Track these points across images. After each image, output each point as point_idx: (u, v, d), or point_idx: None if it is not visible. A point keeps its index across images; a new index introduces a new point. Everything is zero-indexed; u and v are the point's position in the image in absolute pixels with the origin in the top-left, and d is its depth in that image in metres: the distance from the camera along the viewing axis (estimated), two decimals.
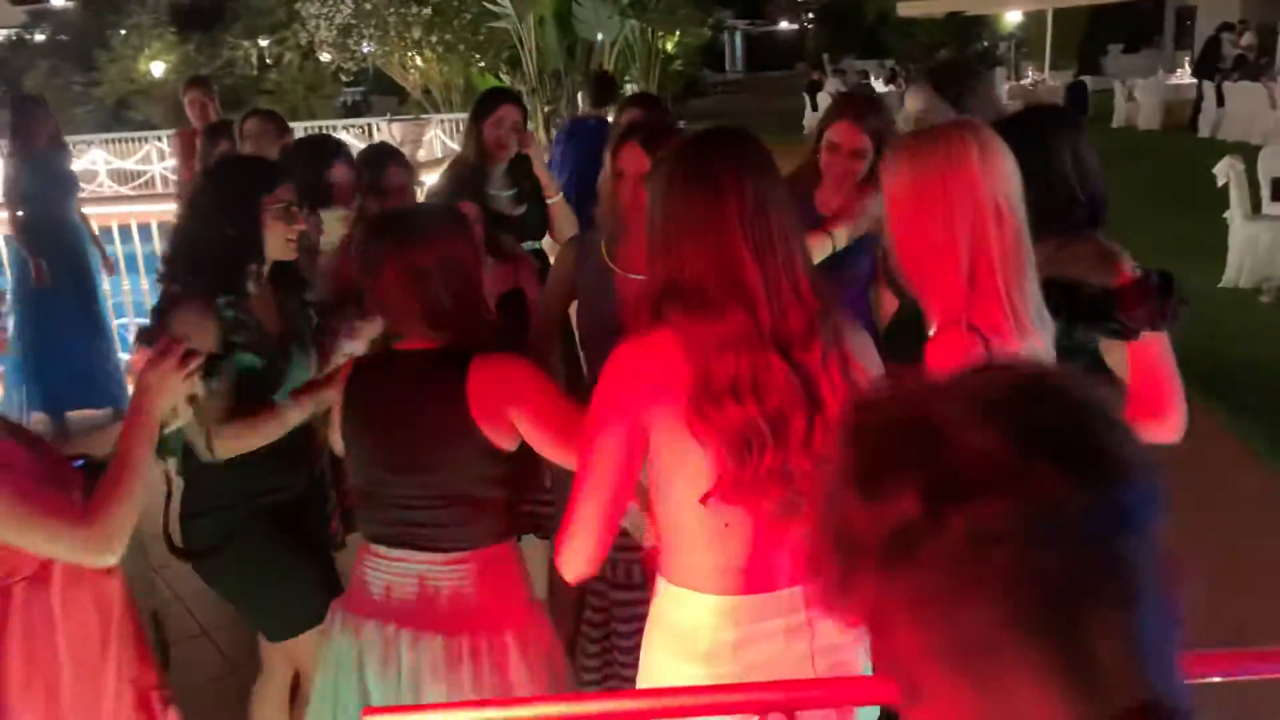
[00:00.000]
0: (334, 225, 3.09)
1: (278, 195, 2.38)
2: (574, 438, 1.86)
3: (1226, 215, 7.18)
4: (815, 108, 17.51)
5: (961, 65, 3.14)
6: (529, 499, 2.76)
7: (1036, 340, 1.83)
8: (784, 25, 43.58)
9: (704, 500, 1.69)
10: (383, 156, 3.51)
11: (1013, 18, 25.12)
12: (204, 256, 2.33)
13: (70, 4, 31.80)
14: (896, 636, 0.71)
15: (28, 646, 1.79)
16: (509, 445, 2.00)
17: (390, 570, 2.07)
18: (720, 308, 1.64)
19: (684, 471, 1.71)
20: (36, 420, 5.67)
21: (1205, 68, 16.16)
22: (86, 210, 6.04)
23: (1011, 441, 0.67)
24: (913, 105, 2.79)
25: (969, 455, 0.67)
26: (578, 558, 1.74)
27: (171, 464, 2.41)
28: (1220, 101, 15.27)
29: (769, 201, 1.66)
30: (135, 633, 1.98)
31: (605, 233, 2.73)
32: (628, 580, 2.53)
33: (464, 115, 11.52)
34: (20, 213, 5.61)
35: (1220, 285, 7.11)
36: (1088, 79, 19.67)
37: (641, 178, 2.47)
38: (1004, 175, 1.81)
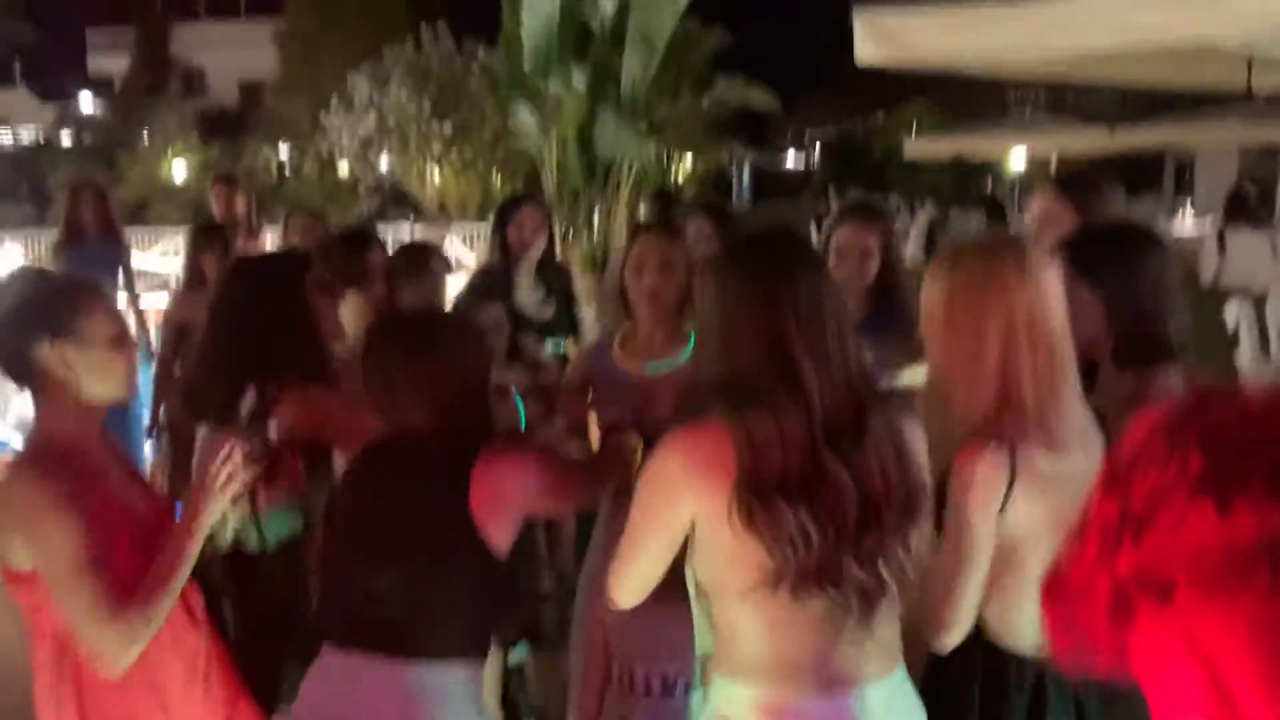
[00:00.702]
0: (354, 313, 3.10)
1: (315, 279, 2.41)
2: (581, 490, 1.99)
3: (1237, 357, 7.22)
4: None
5: (1088, 173, 3.18)
6: (526, 602, 2.70)
7: (1078, 458, 1.81)
8: (792, 158, 44.73)
9: (750, 595, 1.66)
10: (423, 250, 3.56)
11: (1017, 163, 25.80)
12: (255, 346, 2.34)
13: (99, 107, 32.79)
14: (1223, 669, 0.64)
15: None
16: (505, 546, 1.92)
17: (351, 677, 1.92)
18: (772, 401, 1.62)
19: (732, 566, 1.68)
20: None
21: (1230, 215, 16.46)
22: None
23: None
24: (1036, 207, 2.79)
25: None
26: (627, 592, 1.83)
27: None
28: (1222, 249, 15.52)
29: (822, 297, 1.68)
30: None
31: (615, 327, 2.74)
32: (646, 690, 2.44)
33: (481, 224, 11.67)
34: None
35: None
36: None
37: (660, 268, 2.54)
38: (1043, 294, 1.81)
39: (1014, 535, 1.81)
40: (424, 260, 3.29)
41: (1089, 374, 1.97)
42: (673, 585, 2.14)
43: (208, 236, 4.97)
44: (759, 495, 1.61)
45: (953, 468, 1.80)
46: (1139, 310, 2.09)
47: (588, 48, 8.90)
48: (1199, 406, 0.72)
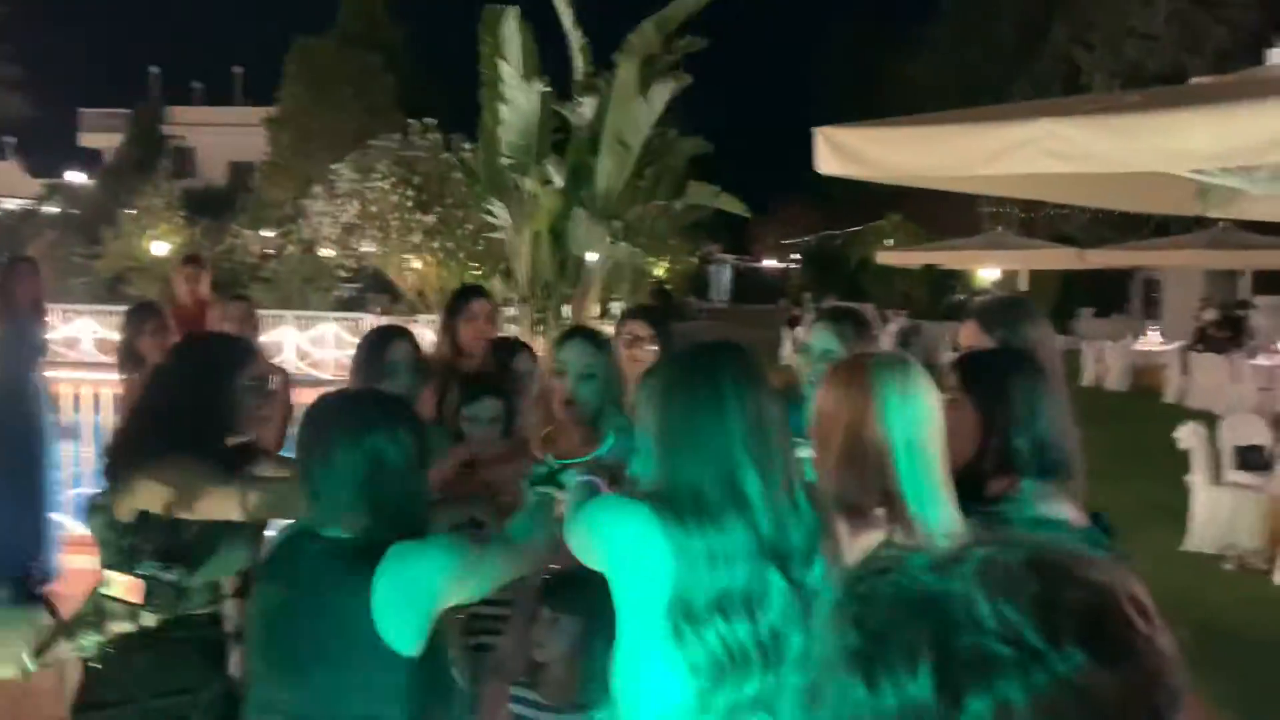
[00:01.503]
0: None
1: (252, 371, 2.38)
2: (505, 562, 1.96)
3: (1187, 479, 7.27)
4: (794, 340, 18.08)
5: (1009, 303, 3.23)
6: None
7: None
8: (769, 263, 45.39)
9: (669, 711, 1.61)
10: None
11: (988, 274, 26.27)
12: (178, 422, 2.27)
13: (88, 181, 33.00)
14: None
15: None
16: (415, 644, 1.81)
17: None
18: (718, 517, 1.61)
19: (653, 668, 1.63)
20: None
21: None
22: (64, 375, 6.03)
23: (1035, 622, 0.62)
24: (961, 333, 2.84)
25: (989, 636, 0.62)
26: None
27: (85, 648, 2.28)
28: (1185, 370, 15.78)
29: (767, 413, 1.69)
30: None
31: (542, 428, 2.75)
32: None
33: None
34: None
35: (1182, 549, 7.11)
36: (1059, 338, 20.33)
37: (580, 374, 2.58)
38: (922, 413, 1.86)
39: None
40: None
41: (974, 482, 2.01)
42: (586, 690, 2.11)
43: (142, 316, 4.88)
44: (696, 613, 1.57)
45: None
46: (1009, 425, 2.12)
47: (564, 148, 9.12)
48: (857, 585, 0.71)
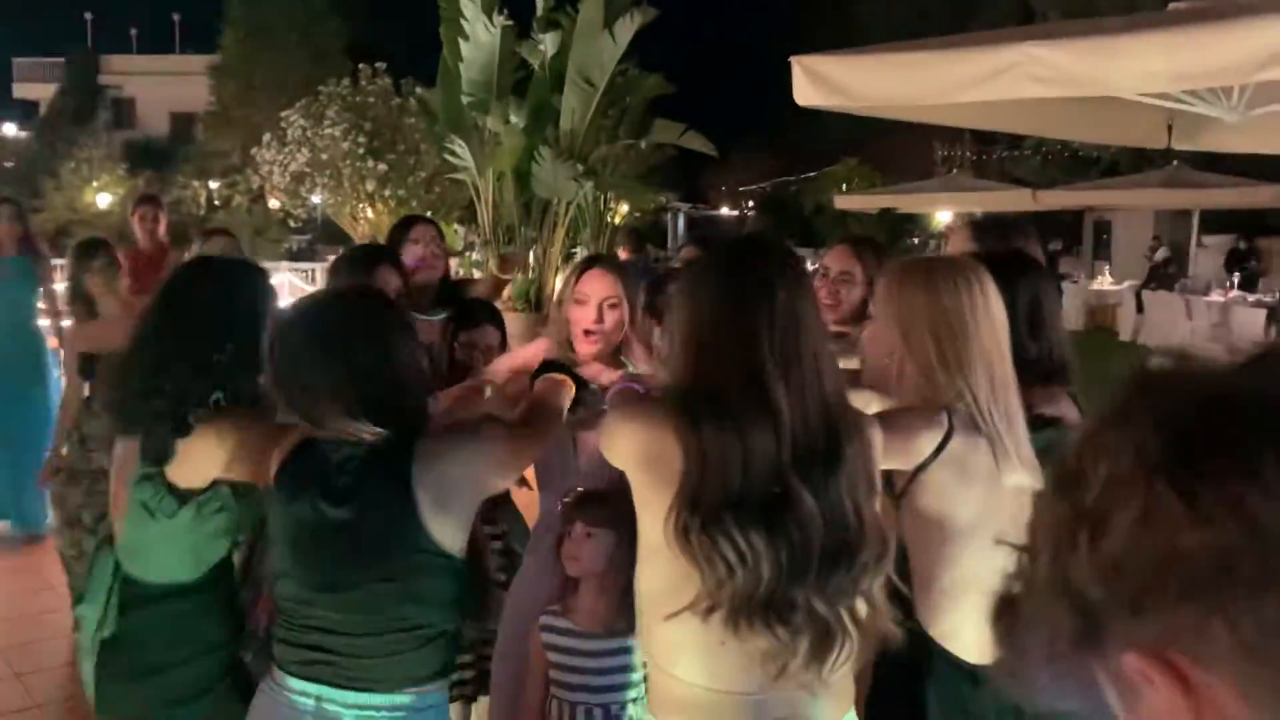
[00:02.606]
0: None
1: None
2: (532, 443, 1.93)
3: None
4: None
5: (1005, 220, 3.26)
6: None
7: (1026, 479, 1.84)
8: (725, 211, 45.31)
9: (682, 621, 1.56)
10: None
11: (943, 217, 26.46)
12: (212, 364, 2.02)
13: (24, 133, 31.97)
14: (1203, 689, 0.53)
15: None
16: (462, 541, 1.75)
17: (295, 708, 1.76)
18: (740, 419, 1.54)
19: (666, 584, 1.59)
20: None
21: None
22: None
23: None
24: (953, 243, 2.85)
25: None
26: None
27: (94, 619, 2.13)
28: (1140, 308, 16.05)
29: (799, 314, 1.60)
30: None
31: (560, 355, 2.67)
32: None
33: None
34: None
35: None
36: None
37: (603, 302, 2.50)
38: (999, 316, 1.91)
39: (942, 518, 1.82)
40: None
41: None
42: (620, 613, 2.07)
43: (89, 253, 4.45)
44: (702, 513, 1.51)
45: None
46: (1015, 329, 2.12)
47: (526, 87, 8.93)
48: (1153, 383, 0.61)
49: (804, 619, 1.53)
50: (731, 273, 1.64)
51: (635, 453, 1.62)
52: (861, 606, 1.58)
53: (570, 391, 2.18)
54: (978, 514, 1.83)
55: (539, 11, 8.92)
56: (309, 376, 1.75)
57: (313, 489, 1.75)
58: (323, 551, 1.75)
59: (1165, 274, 17.50)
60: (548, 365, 2.26)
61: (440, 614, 1.77)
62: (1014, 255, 2.32)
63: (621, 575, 1.93)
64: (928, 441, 1.82)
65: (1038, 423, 1.97)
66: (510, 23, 8.55)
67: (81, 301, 4.42)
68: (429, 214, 18.22)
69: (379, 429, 1.73)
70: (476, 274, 9.67)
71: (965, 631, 1.86)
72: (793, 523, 1.51)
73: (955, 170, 23.36)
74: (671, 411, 1.57)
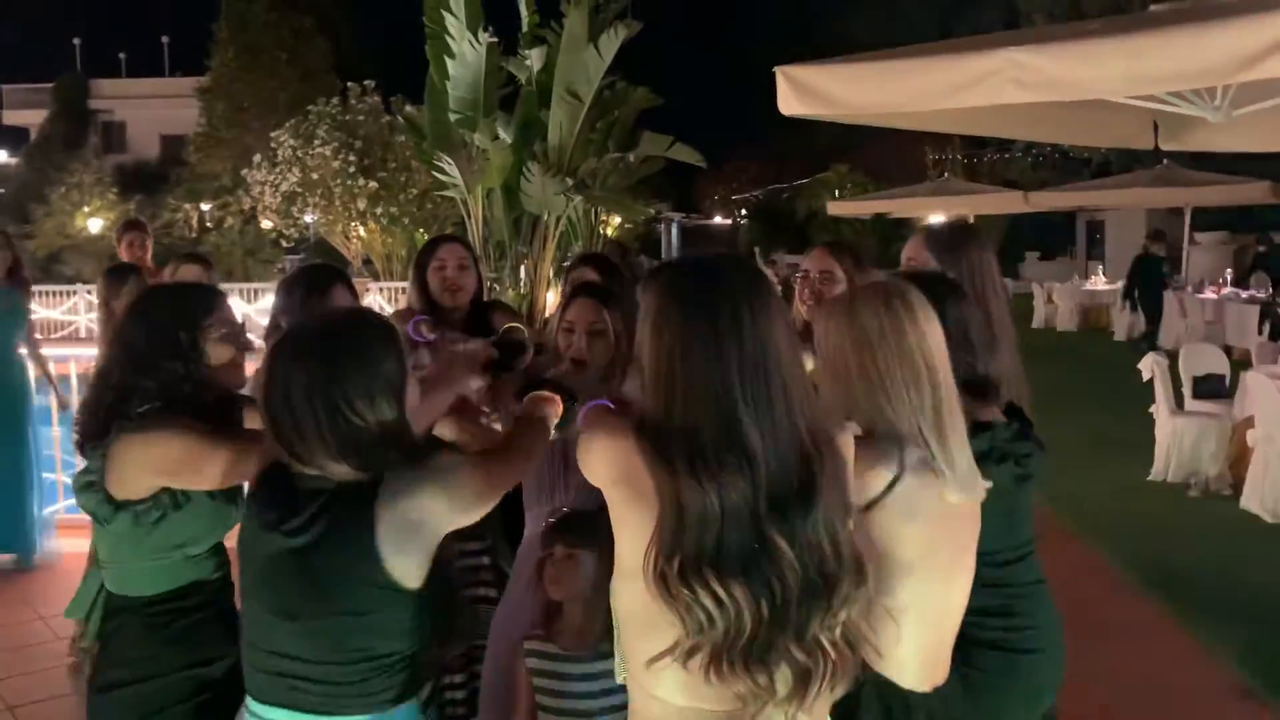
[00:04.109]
0: None
1: (219, 319, 2.23)
2: (511, 467, 1.90)
3: (1151, 410, 7.37)
4: None
5: (960, 226, 3.25)
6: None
7: (962, 497, 1.89)
8: (718, 219, 45.35)
9: (662, 667, 1.53)
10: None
11: (935, 220, 26.48)
12: (152, 379, 2.10)
13: (14, 160, 31.97)
14: None
15: None
16: (420, 576, 1.73)
17: None
18: (717, 469, 1.49)
19: (644, 627, 1.56)
20: None
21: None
22: None
23: None
24: (906, 251, 2.85)
25: None
26: None
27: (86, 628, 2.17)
28: (1135, 307, 16.05)
29: (769, 340, 1.55)
30: None
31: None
32: None
33: (403, 284, 11.58)
34: None
35: (1149, 479, 7.22)
36: (1008, 281, 20.61)
37: (589, 329, 2.54)
38: (931, 334, 1.90)
39: (884, 553, 1.81)
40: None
41: None
42: (605, 634, 2.05)
43: (120, 279, 4.55)
44: (679, 563, 1.48)
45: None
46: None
47: (514, 102, 8.93)
48: None
49: (784, 662, 1.51)
50: (698, 304, 1.57)
51: (609, 470, 1.60)
52: (840, 636, 1.56)
53: (557, 409, 2.16)
54: (919, 550, 1.85)
55: (524, 27, 8.91)
56: (300, 417, 1.72)
57: (276, 515, 1.74)
58: (281, 579, 1.74)
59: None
60: (536, 382, 2.24)
61: (401, 641, 1.76)
62: (939, 277, 2.31)
63: (605, 596, 1.91)
64: (878, 480, 1.81)
65: (975, 428, 2.00)
66: (495, 39, 8.54)
67: (111, 324, 4.43)
68: (420, 230, 18.23)
69: (358, 470, 1.72)
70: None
71: (896, 655, 1.87)
72: (771, 571, 1.49)
73: (946, 174, 23.40)
74: (647, 450, 1.54)
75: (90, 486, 2.07)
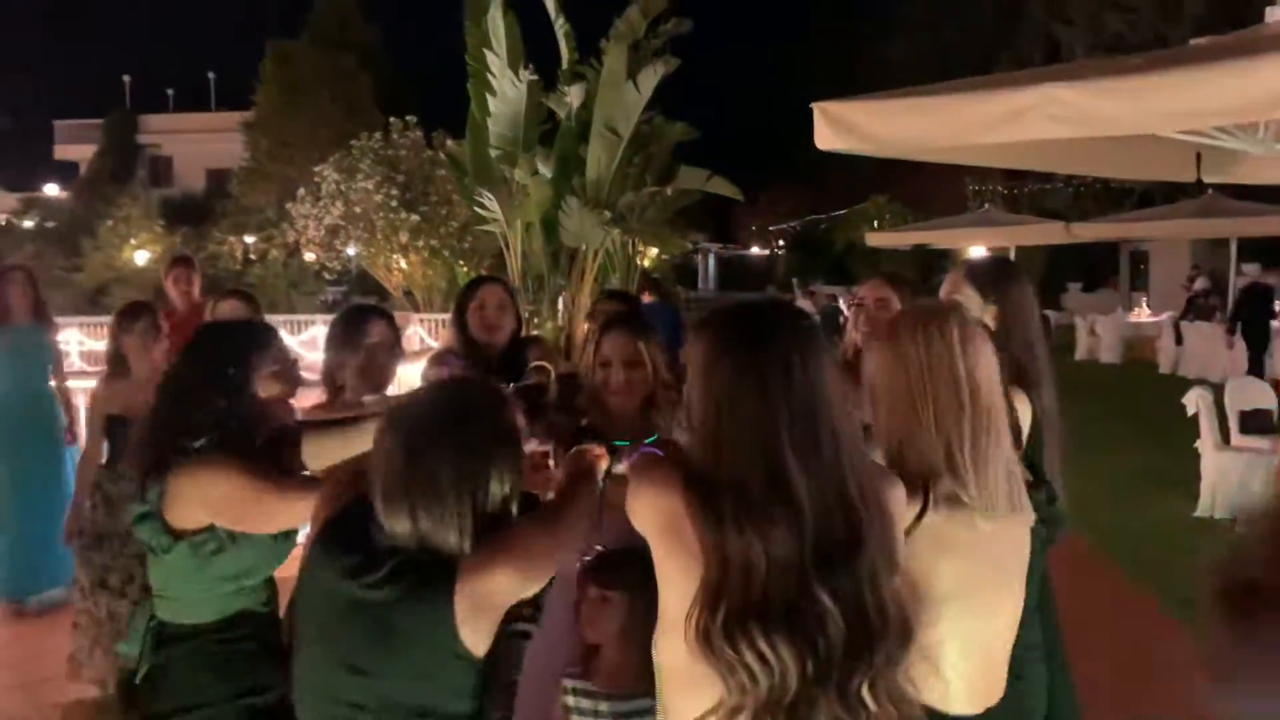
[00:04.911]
0: None
1: (270, 356, 2.29)
2: (565, 537, 1.87)
3: (1197, 445, 7.25)
4: None
5: (1000, 261, 3.26)
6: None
7: (1005, 522, 1.88)
8: (755, 250, 45.39)
9: None
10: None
11: (976, 252, 26.30)
12: (206, 415, 2.17)
13: (63, 194, 32.75)
14: None
15: None
16: (487, 644, 1.74)
17: None
18: (764, 521, 1.48)
19: (685, 682, 1.55)
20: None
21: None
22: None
23: None
24: (944, 293, 2.85)
25: None
26: None
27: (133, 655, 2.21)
28: (1179, 340, 15.83)
29: (817, 387, 1.54)
30: None
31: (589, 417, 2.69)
32: None
33: (444, 315, 11.69)
34: None
35: (1196, 515, 7.09)
36: (1050, 313, 20.43)
37: (624, 363, 2.56)
38: (983, 360, 1.89)
39: (920, 584, 1.80)
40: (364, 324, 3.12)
41: None
42: (642, 674, 2.04)
43: (132, 316, 4.49)
44: (723, 618, 1.46)
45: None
46: None
47: (553, 137, 9.04)
48: None
49: (826, 719, 1.50)
50: (747, 355, 1.56)
51: (654, 523, 1.59)
52: (890, 693, 1.54)
53: (603, 464, 2.16)
54: (957, 584, 1.84)
55: (564, 64, 9.04)
56: (444, 501, 1.71)
57: (352, 561, 1.73)
58: (352, 631, 1.73)
59: (1204, 305, 17.25)
60: (580, 433, 2.24)
61: (464, 703, 1.75)
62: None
63: (641, 636, 1.90)
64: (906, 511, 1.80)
65: None
66: (536, 77, 8.67)
67: (116, 362, 4.47)
68: (461, 262, 18.40)
69: (464, 541, 1.72)
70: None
71: (939, 684, 1.85)
72: (815, 626, 1.47)
73: (987, 205, 23.27)
74: (694, 503, 1.52)
75: (148, 518, 2.12)
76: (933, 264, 28.12)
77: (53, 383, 5.78)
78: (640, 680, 2.12)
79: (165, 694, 2.16)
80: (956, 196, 26.81)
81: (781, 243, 42.31)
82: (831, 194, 34.19)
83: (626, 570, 2.15)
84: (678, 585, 1.54)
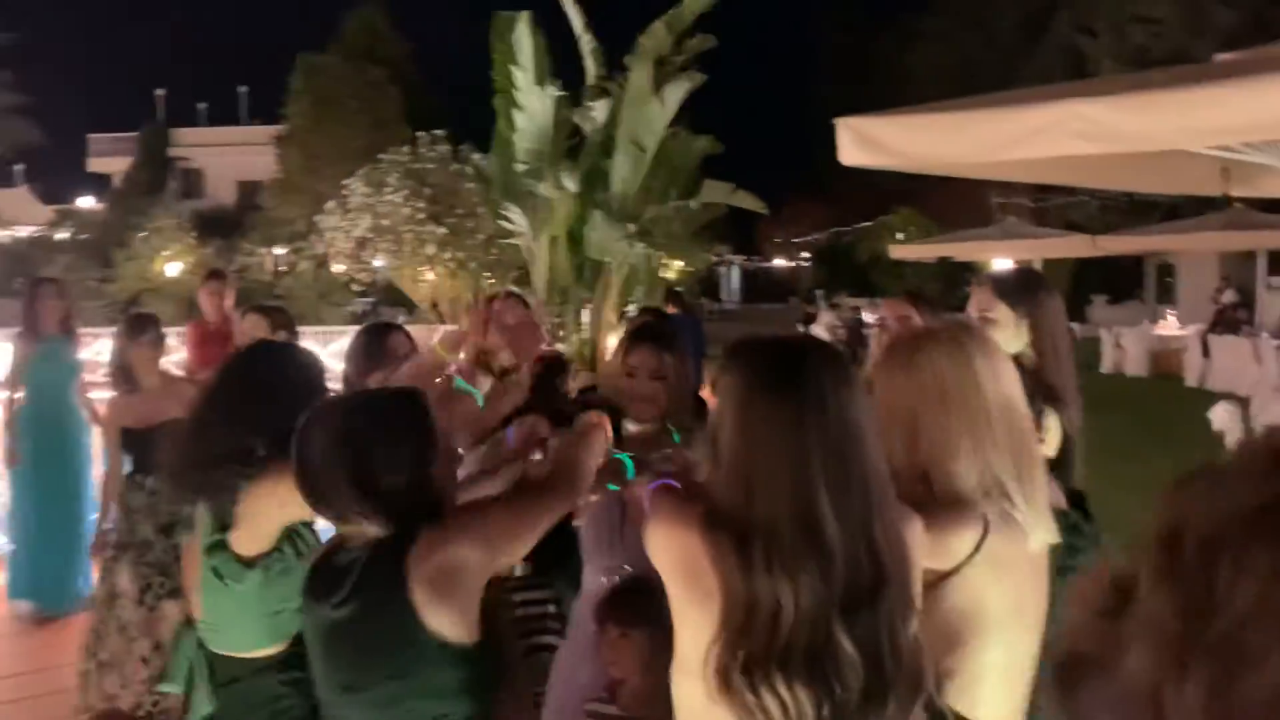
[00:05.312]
0: None
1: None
2: (558, 497, 1.88)
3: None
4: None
5: (1028, 273, 3.25)
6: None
7: (1042, 540, 1.85)
8: (778, 263, 45.34)
9: None
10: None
11: (1001, 264, 26.16)
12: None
13: (97, 206, 33.19)
14: None
15: None
16: (468, 635, 1.73)
17: None
18: (794, 565, 1.45)
19: (705, 697, 1.53)
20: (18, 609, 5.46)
21: None
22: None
23: None
24: (974, 310, 2.85)
25: None
26: None
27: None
28: (1206, 353, 15.72)
29: (852, 432, 1.51)
30: None
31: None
32: None
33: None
34: (18, 394, 5.58)
35: None
36: (1075, 326, 20.30)
37: (651, 375, 2.61)
38: (1007, 377, 1.86)
39: (977, 613, 1.78)
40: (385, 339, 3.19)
41: None
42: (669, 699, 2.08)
43: (139, 328, 4.51)
44: (744, 662, 1.45)
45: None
46: None
47: (579, 152, 9.12)
48: None
49: None
50: (783, 391, 1.52)
51: (671, 565, 1.57)
52: None
53: (605, 436, 2.16)
54: (1012, 603, 1.81)
55: (590, 80, 9.13)
56: (327, 478, 1.78)
57: (323, 590, 1.79)
58: (334, 653, 1.79)
59: (1232, 318, 17.12)
60: (590, 401, 2.26)
61: (456, 703, 1.75)
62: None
63: (664, 666, 1.92)
64: (965, 542, 1.76)
65: None
66: (562, 92, 8.76)
67: (122, 375, 4.47)
68: (488, 275, 18.52)
69: (387, 526, 1.76)
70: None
71: (986, 707, 1.83)
72: (834, 673, 1.46)
73: (1013, 218, 23.17)
74: (719, 540, 1.50)
75: (220, 547, 2.13)
76: (957, 277, 28.03)
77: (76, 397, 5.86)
78: (666, 706, 2.16)
79: None
80: (981, 209, 26.68)
81: (806, 255, 42.23)
82: (855, 206, 34.16)
83: (644, 604, 2.14)
84: (694, 624, 1.53)
